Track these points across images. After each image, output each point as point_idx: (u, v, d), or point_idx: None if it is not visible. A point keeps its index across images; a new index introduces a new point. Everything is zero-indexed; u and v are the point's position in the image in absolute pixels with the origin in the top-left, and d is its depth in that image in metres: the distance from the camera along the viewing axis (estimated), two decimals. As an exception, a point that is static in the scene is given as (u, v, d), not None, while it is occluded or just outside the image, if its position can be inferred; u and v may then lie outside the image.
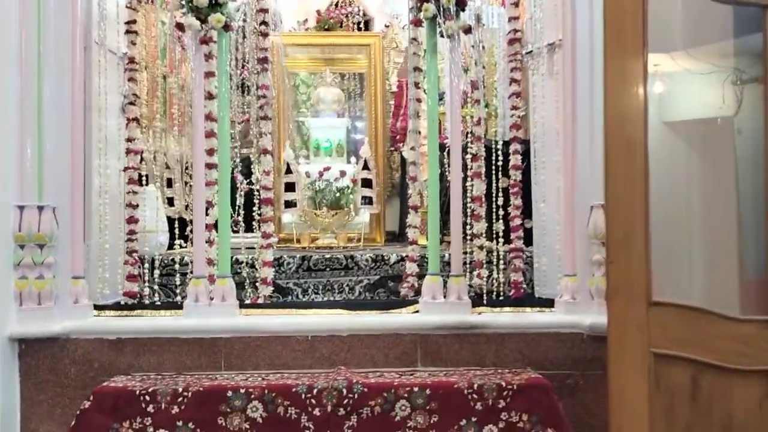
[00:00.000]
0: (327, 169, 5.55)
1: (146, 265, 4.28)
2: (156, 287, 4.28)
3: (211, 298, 3.74)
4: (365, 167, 5.54)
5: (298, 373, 3.58)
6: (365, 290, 4.50)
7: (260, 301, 4.02)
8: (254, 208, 4.44)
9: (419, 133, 4.20)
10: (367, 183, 5.50)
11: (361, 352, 3.69)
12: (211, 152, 3.85)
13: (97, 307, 3.88)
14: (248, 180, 6.12)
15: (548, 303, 3.95)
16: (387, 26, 7.23)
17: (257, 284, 4.10)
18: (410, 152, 4.21)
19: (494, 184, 4.11)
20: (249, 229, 6.00)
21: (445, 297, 3.79)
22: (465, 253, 3.97)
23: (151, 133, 5.05)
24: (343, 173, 5.49)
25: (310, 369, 3.65)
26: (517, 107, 4.06)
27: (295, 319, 3.77)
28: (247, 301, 4.04)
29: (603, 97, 2.84)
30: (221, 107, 3.81)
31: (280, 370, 3.64)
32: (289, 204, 5.48)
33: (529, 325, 3.75)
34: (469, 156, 4.12)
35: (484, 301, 3.95)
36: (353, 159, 6.06)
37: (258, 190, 4.36)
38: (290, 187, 5.50)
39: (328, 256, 4.54)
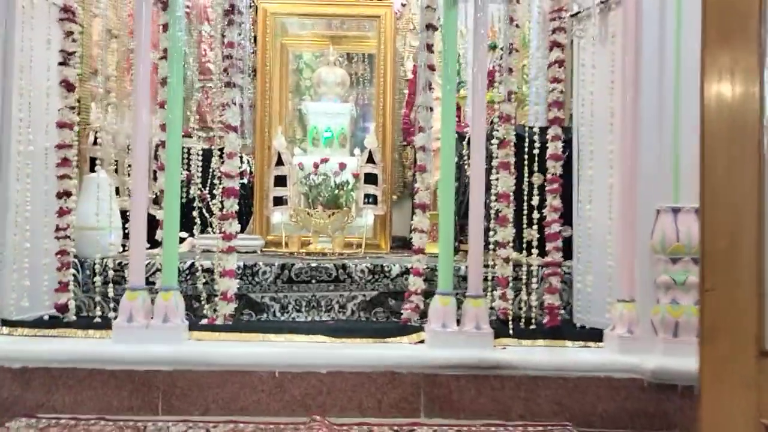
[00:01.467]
0: (324, 160, 4.56)
1: (87, 271, 3.34)
2: (98, 299, 3.33)
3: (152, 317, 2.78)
4: (370, 160, 4.54)
5: (260, 423, 2.61)
6: (359, 309, 3.51)
7: (219, 322, 3.04)
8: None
9: (430, 110, 3.21)
10: (371, 179, 4.51)
11: (345, 395, 2.71)
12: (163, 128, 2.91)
13: (7, 324, 2.94)
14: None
15: (594, 335, 2.94)
16: (403, 5, 6.22)
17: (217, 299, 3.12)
18: (419, 136, 3.22)
19: (526, 179, 3.09)
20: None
21: (459, 324, 2.79)
22: (486, 266, 2.97)
23: (111, 109, 4.10)
24: (342, 166, 4.50)
25: (276, 416, 2.67)
26: (559, 79, 3.04)
27: (259, 348, 2.79)
28: (203, 322, 3.06)
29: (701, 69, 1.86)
30: (172, 76, 2.85)
31: (236, 416, 2.67)
32: (279, 201, 4.51)
33: (571, 365, 2.74)
34: (494, 143, 3.11)
35: (510, 331, 2.95)
36: (357, 151, 5.07)
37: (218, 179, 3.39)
38: (280, 181, 4.53)
39: (314, 264, 3.55)
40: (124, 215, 4.05)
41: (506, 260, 3.07)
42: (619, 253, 2.85)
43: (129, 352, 2.69)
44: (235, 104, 3.06)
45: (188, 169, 4.69)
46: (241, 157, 5.14)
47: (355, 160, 4.77)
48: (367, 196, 4.50)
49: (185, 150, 4.73)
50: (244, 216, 4.99)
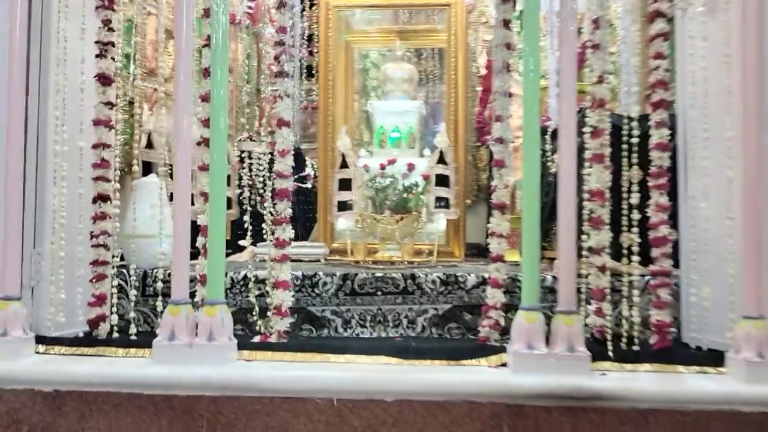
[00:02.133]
0: (392, 161, 4.16)
1: (134, 283, 3.03)
2: (145, 314, 3.03)
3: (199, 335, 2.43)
4: (441, 161, 4.12)
5: (316, 458, 2.22)
6: (431, 324, 3.08)
7: (273, 339, 2.66)
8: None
9: (509, 96, 2.76)
10: (442, 181, 4.09)
11: (413, 427, 2.28)
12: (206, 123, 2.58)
13: (44, 341, 2.65)
14: (301, 179, 4.87)
15: (713, 359, 2.41)
16: (475, -4, 5.77)
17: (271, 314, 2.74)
18: (496, 126, 2.77)
19: (624, 174, 2.59)
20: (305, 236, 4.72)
21: (548, 345, 2.33)
22: (579, 276, 2.50)
23: (165, 111, 3.81)
24: (411, 167, 4.09)
25: (335, 451, 2.28)
26: (662, 55, 2.54)
27: (315, 372, 2.39)
28: (255, 339, 2.69)
29: None
30: (217, 67, 2.50)
31: (288, 450, 2.28)
32: (343, 206, 4.14)
33: (687, 396, 2.22)
34: (586, 131, 2.63)
35: (610, 353, 2.46)
36: (427, 152, 4.65)
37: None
38: (345, 184, 4.16)
39: (379, 275, 3.14)
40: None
41: (602, 269, 2.58)
42: (744, 260, 2.32)
43: (170, 375, 2.34)
44: (288, 96, 2.70)
45: (250, 175, 4.40)
46: (303, 160, 4.81)
47: (425, 162, 4.36)
48: (438, 199, 4.08)
49: (247, 154, 4.44)
50: (308, 223, 4.65)
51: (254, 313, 2.76)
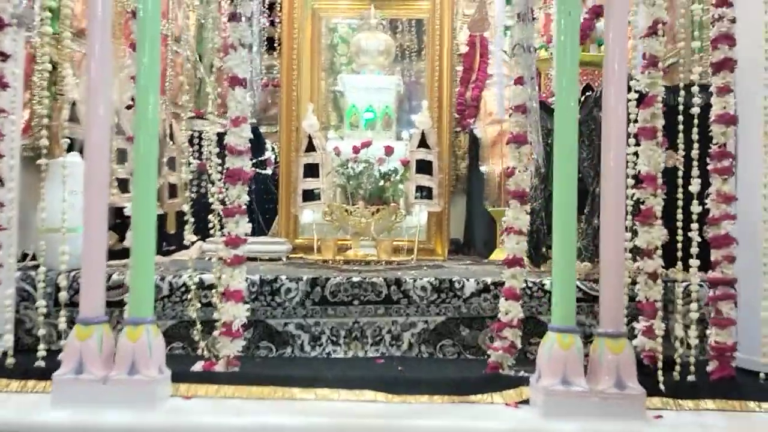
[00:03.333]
0: (366, 144, 3.49)
1: (42, 287, 2.32)
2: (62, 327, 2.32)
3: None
4: (422, 144, 3.49)
5: None
6: (420, 341, 2.45)
7: (218, 368, 1.98)
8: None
9: (532, 51, 2.11)
10: (424, 167, 3.45)
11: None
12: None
13: None
14: (260, 164, 4.16)
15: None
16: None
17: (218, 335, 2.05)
18: (517, 90, 2.10)
19: (674, 157, 1.98)
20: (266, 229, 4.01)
21: (587, 378, 1.71)
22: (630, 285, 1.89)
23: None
24: (389, 150, 3.43)
25: None
26: (728, 2, 1.93)
27: (277, 419, 1.73)
28: (196, 367, 2.00)
29: None
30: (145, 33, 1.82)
31: None
32: (310, 195, 3.47)
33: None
34: (632, 98, 1.99)
35: (662, 386, 1.85)
36: (405, 134, 4.00)
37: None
38: (311, 170, 3.48)
39: (356, 279, 2.49)
40: (120, 213, 3.08)
41: (653, 276, 1.97)
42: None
43: (73, 422, 1.66)
44: (244, 46, 2.01)
45: (199, 158, 3.69)
46: (262, 142, 4.11)
47: (404, 145, 3.71)
48: (419, 188, 3.44)
49: (196, 134, 3.74)
50: (267, 215, 3.96)
51: (196, 331, 2.07)
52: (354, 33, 4.68)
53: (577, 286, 2.26)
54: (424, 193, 3.45)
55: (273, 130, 4.78)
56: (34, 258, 2.65)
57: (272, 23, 4.68)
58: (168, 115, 3.69)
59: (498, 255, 3.53)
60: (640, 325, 1.96)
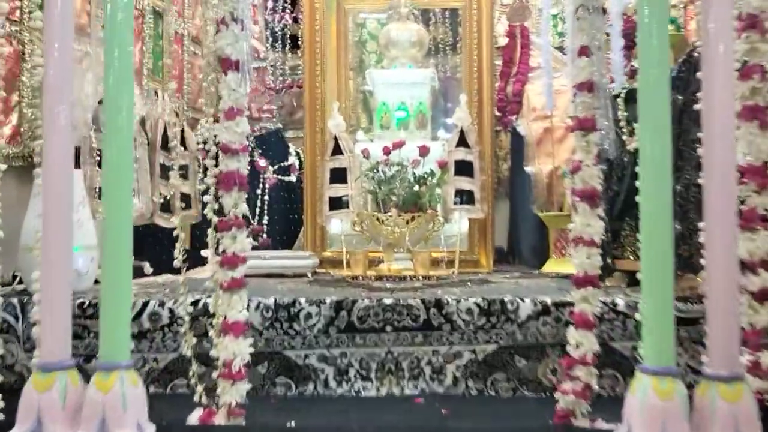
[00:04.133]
0: (398, 145, 3.07)
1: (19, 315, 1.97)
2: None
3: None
4: (461, 142, 3.07)
5: None
6: (467, 375, 2.02)
7: (220, 420, 1.58)
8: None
9: (601, 11, 1.68)
10: (464, 168, 3.04)
11: None
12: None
13: None
14: (283, 170, 3.77)
15: None
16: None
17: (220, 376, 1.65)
18: (581, 61, 1.66)
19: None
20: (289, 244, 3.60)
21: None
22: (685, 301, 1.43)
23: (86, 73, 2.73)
24: (424, 151, 3.02)
25: None
26: None
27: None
28: (191, 420, 1.61)
29: None
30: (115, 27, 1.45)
31: None
32: (337, 203, 3.07)
33: None
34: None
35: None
36: (442, 133, 3.58)
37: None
38: (339, 176, 3.09)
39: (388, 302, 2.07)
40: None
41: (760, 296, 1.51)
42: None
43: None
44: (235, 21, 1.62)
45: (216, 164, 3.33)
46: (286, 147, 3.72)
47: (441, 145, 3.30)
48: (459, 192, 3.03)
49: (212, 141, 3.37)
50: (292, 226, 3.57)
51: (192, 374, 1.67)
52: (383, 28, 4.30)
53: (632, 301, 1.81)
54: (465, 197, 3.04)
55: (300, 135, 4.41)
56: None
57: (295, 20, 4.31)
58: (181, 119, 3.35)
59: (552, 266, 3.09)
60: (744, 359, 1.50)
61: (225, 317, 1.55)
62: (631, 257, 2.42)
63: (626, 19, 2.63)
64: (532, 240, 3.70)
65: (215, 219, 1.62)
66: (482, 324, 2.02)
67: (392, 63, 3.65)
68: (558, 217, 3.00)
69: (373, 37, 4.51)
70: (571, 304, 1.62)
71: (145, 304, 2.07)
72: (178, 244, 1.66)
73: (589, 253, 1.56)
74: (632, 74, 2.68)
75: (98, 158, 2.67)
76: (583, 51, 1.59)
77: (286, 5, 4.28)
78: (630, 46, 2.66)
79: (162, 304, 2.06)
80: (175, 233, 1.68)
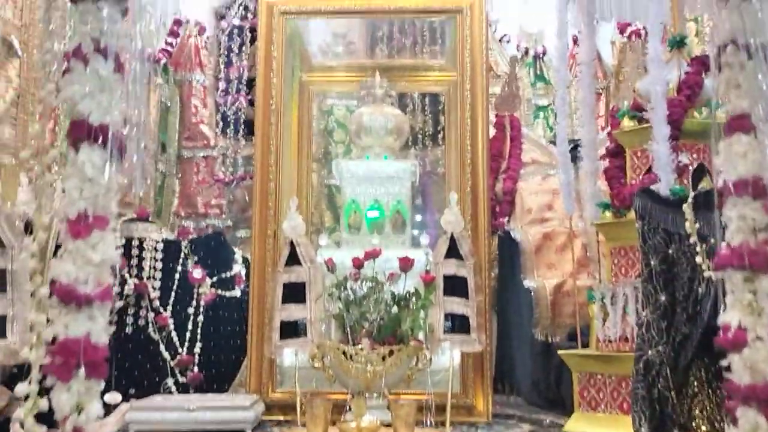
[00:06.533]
0: (372, 255, 2.34)
1: None
2: None
3: None
4: (452, 252, 2.37)
5: None
6: None
7: None
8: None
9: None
10: (457, 286, 2.34)
11: None
12: None
13: None
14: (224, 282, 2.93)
15: None
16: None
17: None
18: None
19: None
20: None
21: None
22: None
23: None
24: (406, 264, 2.29)
25: None
26: None
27: None
28: None
29: None
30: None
31: None
32: (291, 329, 2.30)
33: None
34: None
35: None
36: (424, 239, 2.84)
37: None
38: (294, 292, 2.35)
39: None
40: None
41: None
42: None
43: None
44: (103, 55, 0.89)
45: (138, 274, 2.54)
46: (229, 252, 2.93)
47: (424, 254, 2.58)
48: (451, 317, 2.30)
49: (137, 241, 2.61)
50: (234, 354, 2.72)
51: None
52: (353, 114, 3.66)
53: None
54: (458, 323, 2.31)
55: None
56: None
57: (252, 103, 3.65)
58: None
59: (579, 424, 2.22)
60: None
61: None
62: (704, 427, 1.66)
63: (671, 101, 2.00)
64: (534, 371, 2.96)
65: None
66: None
67: (364, 153, 2.97)
68: (585, 359, 2.22)
69: (342, 126, 3.87)
70: None
71: None
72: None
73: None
74: (681, 171, 2.03)
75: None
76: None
77: (241, 86, 3.64)
78: (677, 135, 2.03)
79: None
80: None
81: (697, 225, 1.64)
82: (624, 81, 3.69)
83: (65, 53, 0.87)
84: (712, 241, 1.52)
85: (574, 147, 2.74)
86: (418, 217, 3.53)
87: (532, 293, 2.97)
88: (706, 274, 1.60)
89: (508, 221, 3.41)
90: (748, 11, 0.95)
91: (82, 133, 0.83)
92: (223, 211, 3.85)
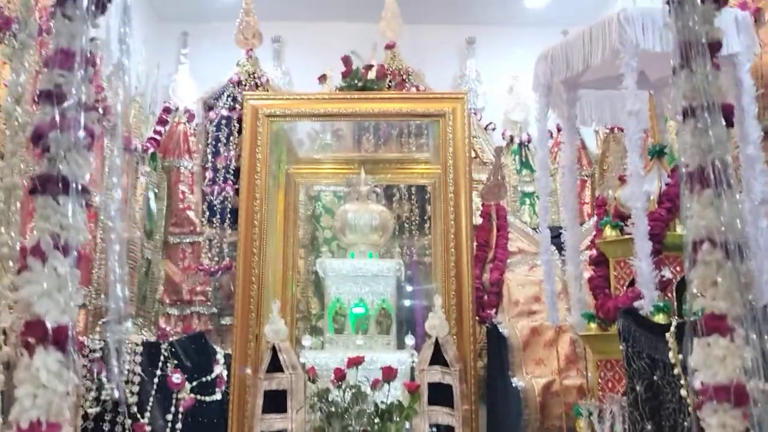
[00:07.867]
0: (354, 362, 2.29)
1: None
2: None
3: None
4: (437, 358, 2.32)
5: None
6: None
7: None
8: None
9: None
10: (441, 394, 2.27)
11: None
12: None
13: None
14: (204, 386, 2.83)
15: None
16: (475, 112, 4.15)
17: None
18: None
19: None
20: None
21: None
22: None
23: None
24: (389, 374, 2.23)
25: None
26: None
27: None
28: None
29: None
30: None
31: None
32: (271, 442, 2.23)
33: None
34: None
35: None
36: (409, 340, 2.79)
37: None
38: (276, 401, 2.28)
39: None
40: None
41: None
42: None
43: None
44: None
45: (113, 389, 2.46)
46: (210, 351, 2.86)
47: (409, 356, 2.53)
48: (436, 428, 2.23)
49: (114, 347, 2.53)
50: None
51: None
52: (340, 201, 3.65)
53: None
54: (443, 434, 2.24)
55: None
56: None
57: (238, 192, 3.64)
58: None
59: None
60: None
61: None
62: None
63: (651, 215, 2.00)
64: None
65: None
66: None
67: (349, 250, 2.93)
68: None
69: (329, 211, 3.85)
70: None
71: None
72: None
73: None
74: (664, 286, 2.00)
75: None
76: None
77: (228, 176, 3.63)
78: (659, 250, 2.01)
79: None
80: None
81: (680, 356, 1.60)
82: (608, 171, 3.71)
83: (21, 248, 0.84)
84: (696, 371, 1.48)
85: (558, 235, 2.72)
86: (404, 313, 3.44)
87: (520, 393, 2.89)
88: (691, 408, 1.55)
89: (496, 313, 3.36)
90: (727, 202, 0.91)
91: (38, 334, 0.79)
92: (208, 299, 3.79)
